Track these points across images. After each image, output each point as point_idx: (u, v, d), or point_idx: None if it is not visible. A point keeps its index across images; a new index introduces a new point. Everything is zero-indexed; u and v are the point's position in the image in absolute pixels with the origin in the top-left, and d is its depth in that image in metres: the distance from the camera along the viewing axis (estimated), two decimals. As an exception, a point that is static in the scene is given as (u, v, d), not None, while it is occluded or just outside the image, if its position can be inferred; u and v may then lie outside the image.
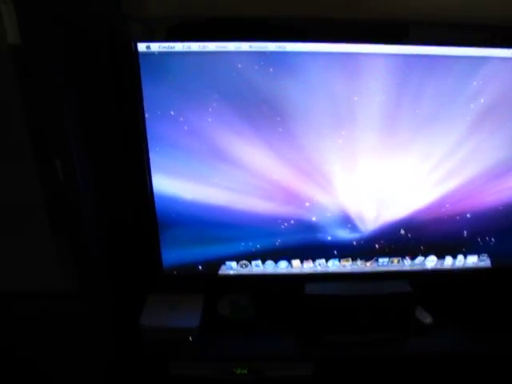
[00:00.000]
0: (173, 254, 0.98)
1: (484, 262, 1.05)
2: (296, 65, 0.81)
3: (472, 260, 1.05)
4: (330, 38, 0.80)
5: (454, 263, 1.05)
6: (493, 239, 1.03)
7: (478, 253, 1.04)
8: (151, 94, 0.81)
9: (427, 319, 1.03)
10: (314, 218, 0.96)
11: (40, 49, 0.69)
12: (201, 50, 0.78)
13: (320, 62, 0.81)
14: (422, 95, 0.85)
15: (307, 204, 0.94)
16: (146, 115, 0.83)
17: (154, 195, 0.90)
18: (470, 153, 0.92)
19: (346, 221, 0.97)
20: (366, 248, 1.01)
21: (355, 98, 0.84)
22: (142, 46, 0.77)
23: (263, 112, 0.84)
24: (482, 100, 0.87)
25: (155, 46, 0.77)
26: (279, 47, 0.79)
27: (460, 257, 1.04)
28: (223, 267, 1.01)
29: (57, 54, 0.71)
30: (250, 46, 0.79)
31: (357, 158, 0.90)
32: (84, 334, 0.95)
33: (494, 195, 0.97)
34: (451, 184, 0.95)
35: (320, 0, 0.81)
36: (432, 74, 0.84)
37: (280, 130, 0.86)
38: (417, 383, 1.04)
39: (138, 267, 1.00)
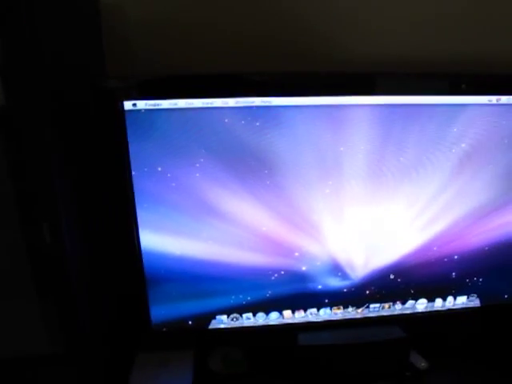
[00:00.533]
0: (162, 311, 0.95)
1: (473, 302, 1.06)
2: (282, 118, 0.81)
3: (461, 300, 1.05)
4: (315, 91, 0.81)
5: (443, 305, 1.05)
6: (481, 279, 1.04)
7: (467, 293, 1.05)
8: (138, 151, 0.80)
9: (422, 364, 1.02)
10: (304, 268, 0.95)
11: (25, 109, 0.68)
12: (188, 106, 0.78)
13: (306, 115, 0.82)
14: (405, 143, 0.87)
15: (297, 254, 0.93)
16: (133, 172, 0.82)
17: (142, 252, 0.88)
18: (454, 196, 0.93)
19: (337, 269, 0.97)
20: (357, 295, 1.00)
21: (341, 149, 0.85)
22: (128, 104, 0.77)
23: (251, 166, 0.84)
24: (463, 145, 0.89)
25: (141, 104, 0.77)
26: (265, 102, 0.80)
27: (450, 298, 1.05)
28: (213, 321, 0.98)
29: (43, 115, 0.69)
30: (237, 102, 0.79)
31: (344, 206, 0.91)
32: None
33: (479, 236, 0.99)
34: (437, 227, 0.96)
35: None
36: (414, 122, 0.86)
37: (268, 182, 0.86)
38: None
39: (127, 326, 0.97)
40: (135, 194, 0.83)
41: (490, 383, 1.02)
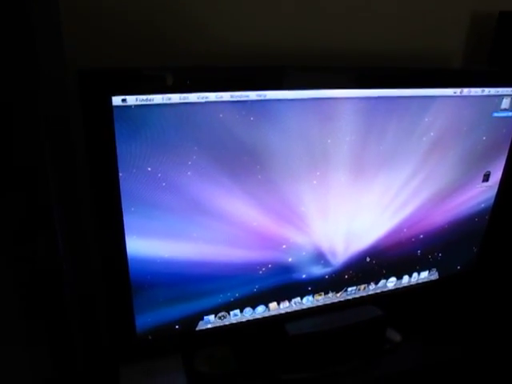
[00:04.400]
0: (148, 318, 0.89)
1: (433, 275, 1.15)
2: (275, 112, 0.80)
3: (424, 275, 1.14)
4: (308, 84, 0.81)
5: (409, 280, 1.13)
6: (440, 254, 1.13)
7: (429, 268, 1.14)
8: (126, 151, 0.73)
9: (397, 337, 1.09)
10: (290, 259, 0.95)
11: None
12: (181, 101, 0.73)
13: (298, 109, 0.81)
14: (384, 133, 0.90)
15: (284, 246, 0.93)
16: (120, 174, 0.75)
17: (128, 259, 0.82)
18: (422, 181, 1.00)
19: (320, 257, 0.98)
20: (337, 280, 1.03)
21: (328, 141, 0.86)
22: (116, 100, 0.70)
23: (243, 161, 0.81)
24: (432, 133, 0.95)
25: (132, 99, 0.70)
26: (260, 96, 0.78)
27: (414, 274, 1.13)
28: (201, 322, 0.95)
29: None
30: (232, 96, 0.76)
31: (329, 196, 0.92)
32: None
33: (441, 215, 1.07)
34: (407, 211, 1.02)
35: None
36: (393, 113, 0.89)
37: (259, 177, 0.84)
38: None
39: (110, 337, 0.90)
40: (122, 198, 0.76)
41: (452, 345, 1.12)
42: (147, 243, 0.82)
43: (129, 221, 0.79)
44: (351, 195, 0.94)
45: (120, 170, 0.74)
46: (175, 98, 0.72)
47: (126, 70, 0.72)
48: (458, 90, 0.93)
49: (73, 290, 0.73)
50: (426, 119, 0.93)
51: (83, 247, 0.81)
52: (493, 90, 0.97)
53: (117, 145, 0.72)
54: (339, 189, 0.92)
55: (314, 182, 0.89)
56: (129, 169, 0.75)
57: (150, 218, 0.80)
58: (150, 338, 0.91)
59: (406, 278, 1.12)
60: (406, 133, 0.93)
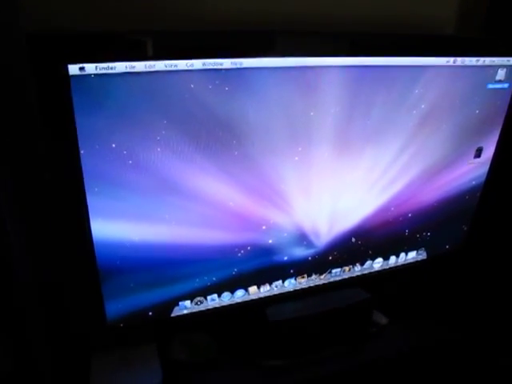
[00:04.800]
0: (118, 305, 0.83)
1: (421, 255, 1.11)
2: (253, 82, 0.73)
3: (412, 255, 1.09)
4: (288, 51, 0.74)
5: (397, 261, 1.08)
6: (428, 233, 1.08)
7: (417, 248, 1.09)
8: (87, 126, 0.66)
9: (383, 320, 1.05)
10: (270, 241, 0.90)
11: None
12: (147, 70, 0.65)
13: (277, 78, 0.74)
14: (371, 106, 0.84)
15: (264, 227, 0.88)
16: (82, 151, 0.67)
17: (94, 244, 0.75)
18: (411, 157, 0.94)
19: (302, 238, 0.93)
20: (321, 262, 0.98)
21: (311, 113, 0.80)
22: (74, 68, 0.62)
23: (218, 136, 0.75)
24: (423, 106, 0.89)
25: (91, 68, 0.62)
26: (235, 64, 0.70)
27: (402, 254, 1.08)
28: (176, 308, 0.89)
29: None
30: (204, 64, 0.68)
31: (312, 173, 0.86)
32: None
33: (430, 193, 1.02)
34: (395, 188, 0.96)
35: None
36: (381, 83, 0.83)
37: (236, 153, 0.77)
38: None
39: (78, 326, 0.84)
40: (84, 177, 0.69)
41: (440, 327, 1.09)
42: (114, 226, 0.76)
43: (93, 202, 0.72)
44: (336, 172, 0.88)
45: (81, 146, 0.67)
46: (140, 66, 0.65)
47: (83, 34, 0.64)
48: (451, 60, 0.87)
49: (26, 276, 0.67)
50: (417, 91, 0.86)
51: (43, 230, 0.74)
52: (488, 60, 0.90)
53: (76, 119, 0.65)
54: (323, 165, 0.86)
55: (296, 158, 0.83)
56: (91, 145, 0.68)
57: (117, 199, 0.73)
58: (121, 325, 0.86)
59: (393, 259, 1.07)
60: (395, 105, 0.86)
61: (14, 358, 0.71)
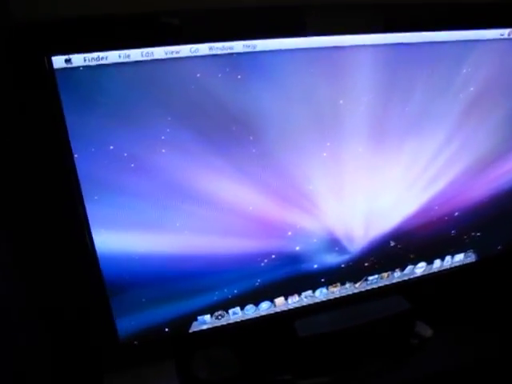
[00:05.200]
0: (131, 321, 0.76)
1: (470, 257, 0.98)
2: (269, 67, 0.62)
3: (459, 258, 0.97)
4: (309, 29, 0.63)
5: (442, 265, 0.96)
6: (478, 233, 0.95)
7: (465, 250, 0.97)
8: (79, 126, 0.58)
9: (427, 331, 0.94)
10: (297, 248, 0.80)
11: None
12: (145, 58, 0.56)
13: (298, 62, 0.64)
14: (411, 90, 0.72)
15: (289, 233, 0.78)
16: (75, 155, 0.59)
17: (98, 257, 0.68)
18: (458, 149, 0.81)
19: (334, 243, 0.82)
20: (355, 269, 0.87)
21: (340, 101, 0.69)
22: (58, 61, 0.53)
23: (232, 132, 0.65)
24: (472, 88, 0.76)
25: (79, 59, 0.54)
26: (248, 46, 0.60)
27: (448, 257, 0.96)
28: (195, 323, 0.81)
29: None
30: (211, 48, 0.59)
31: (343, 170, 0.75)
32: None
33: (479, 189, 0.89)
34: (439, 185, 0.84)
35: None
36: (422, 64, 0.71)
37: (254, 151, 0.67)
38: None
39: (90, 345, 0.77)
40: (81, 185, 0.61)
41: (491, 340, 0.96)
42: (119, 237, 0.67)
43: (93, 212, 0.64)
44: (371, 168, 0.77)
45: (74, 150, 0.59)
46: (136, 54, 0.56)
47: (68, 21, 0.55)
48: (505, 32, 0.74)
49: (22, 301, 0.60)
50: (465, 70, 0.74)
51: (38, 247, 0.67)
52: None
53: (66, 119, 0.57)
54: (356, 161, 0.75)
55: (324, 154, 0.72)
56: (85, 148, 0.59)
57: (120, 208, 0.65)
58: (135, 343, 0.78)
59: (437, 263, 0.95)
60: (439, 89, 0.74)
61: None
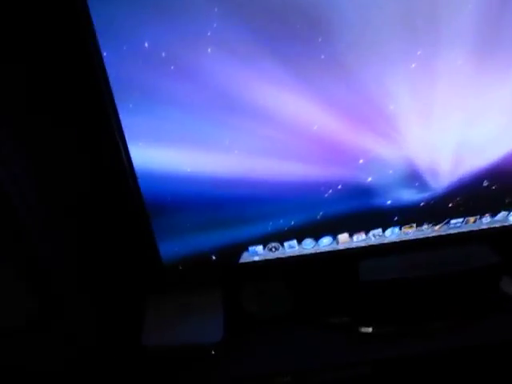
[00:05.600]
0: (175, 246, 0.70)
1: None
2: None
3: None
4: None
5: (545, 214, 0.79)
6: None
7: None
8: (107, 19, 0.48)
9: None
10: (369, 179, 0.67)
11: None
12: None
13: None
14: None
15: (361, 161, 0.65)
16: (104, 53, 0.50)
17: (136, 174, 0.60)
18: None
19: (414, 178, 0.69)
20: (437, 209, 0.74)
21: (442, -6, 0.52)
22: None
23: (296, 31, 0.51)
24: None
25: None
26: None
27: (554, 205, 0.78)
28: (245, 254, 0.74)
29: None
30: None
31: (435, 88, 0.60)
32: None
33: None
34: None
35: None
36: None
37: (322, 57, 0.54)
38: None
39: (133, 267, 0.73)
40: (112, 88, 0.53)
41: None
42: (160, 153, 0.59)
43: (128, 122, 0.56)
44: (471, 88, 0.61)
45: (102, 47, 0.49)
46: None
47: None
48: None
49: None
50: None
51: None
52: None
53: (90, 10, 0.47)
54: (453, 77, 0.59)
55: (413, 65, 0.57)
56: (115, 45, 0.50)
57: (157, 118, 0.56)
58: (180, 268, 0.73)
59: (540, 210, 0.78)
60: None
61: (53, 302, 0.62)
